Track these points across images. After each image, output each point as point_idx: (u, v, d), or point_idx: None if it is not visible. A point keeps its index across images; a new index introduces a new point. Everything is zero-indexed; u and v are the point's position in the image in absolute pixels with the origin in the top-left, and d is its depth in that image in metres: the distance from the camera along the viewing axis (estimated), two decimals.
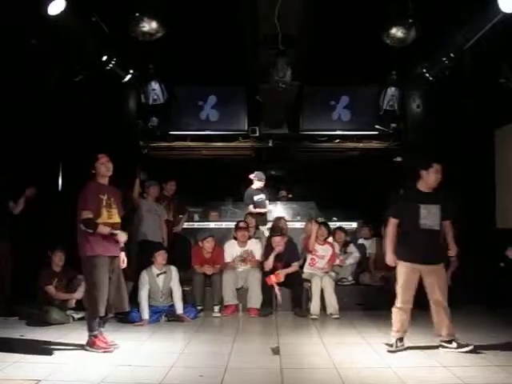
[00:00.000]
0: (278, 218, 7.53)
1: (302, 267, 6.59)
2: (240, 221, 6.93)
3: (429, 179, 4.46)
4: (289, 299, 6.47)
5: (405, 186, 8.60)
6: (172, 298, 5.93)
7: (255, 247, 6.69)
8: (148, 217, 6.81)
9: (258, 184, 7.89)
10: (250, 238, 6.75)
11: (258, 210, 7.73)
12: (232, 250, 6.64)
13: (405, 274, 4.43)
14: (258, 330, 5.73)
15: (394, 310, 4.51)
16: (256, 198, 7.89)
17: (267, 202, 8.06)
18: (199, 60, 7.31)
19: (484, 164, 7.23)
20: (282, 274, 6.25)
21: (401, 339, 4.46)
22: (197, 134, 8.64)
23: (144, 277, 5.87)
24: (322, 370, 3.92)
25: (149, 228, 6.78)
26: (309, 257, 6.60)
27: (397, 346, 4.43)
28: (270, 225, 7.49)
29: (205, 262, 6.57)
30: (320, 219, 7.68)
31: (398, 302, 4.47)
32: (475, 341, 4.61)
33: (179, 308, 5.85)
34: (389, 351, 4.40)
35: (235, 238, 6.73)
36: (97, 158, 4.70)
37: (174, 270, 6.02)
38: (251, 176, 7.90)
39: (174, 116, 8.45)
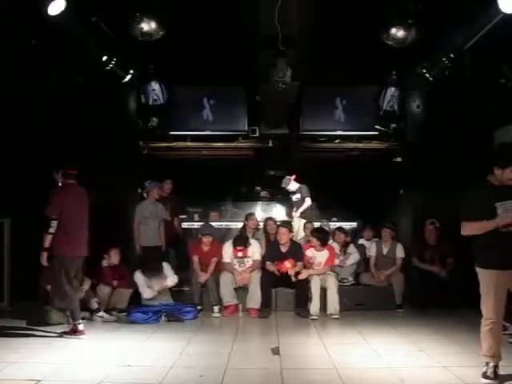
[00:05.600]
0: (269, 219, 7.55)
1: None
2: (238, 240, 6.63)
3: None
4: (290, 300, 6.47)
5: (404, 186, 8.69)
6: (170, 296, 6.11)
7: (254, 249, 6.67)
8: (146, 222, 6.83)
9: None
10: (248, 245, 6.66)
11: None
12: (231, 251, 6.63)
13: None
14: (258, 330, 5.73)
15: (483, 329, 3.64)
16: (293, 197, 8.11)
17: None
18: (199, 60, 7.30)
19: (484, 164, 7.22)
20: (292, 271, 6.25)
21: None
22: (197, 134, 8.63)
23: (140, 278, 5.99)
24: (322, 370, 3.92)
25: (147, 233, 6.80)
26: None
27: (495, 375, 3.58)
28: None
29: (202, 255, 6.62)
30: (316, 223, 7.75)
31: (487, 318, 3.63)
32: (475, 341, 4.62)
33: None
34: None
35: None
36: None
37: (165, 265, 6.25)
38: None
39: (173, 116, 8.44)
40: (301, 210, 7.83)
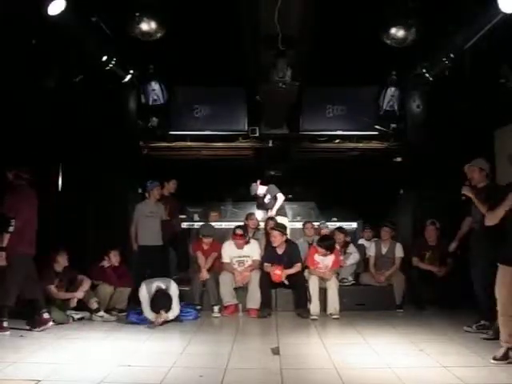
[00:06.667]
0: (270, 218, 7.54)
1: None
2: (238, 226, 6.80)
3: None
4: (290, 300, 6.47)
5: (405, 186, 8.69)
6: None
7: (253, 249, 6.67)
8: (147, 221, 6.82)
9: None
10: (247, 242, 6.69)
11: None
12: (230, 251, 6.63)
13: None
14: (258, 330, 5.73)
15: (499, 318, 4.05)
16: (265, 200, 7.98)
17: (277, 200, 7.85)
18: (199, 60, 7.30)
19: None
20: (283, 275, 6.24)
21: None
22: (197, 134, 8.62)
23: (143, 293, 5.66)
24: (322, 370, 3.92)
25: (148, 232, 6.80)
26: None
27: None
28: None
29: (203, 252, 6.67)
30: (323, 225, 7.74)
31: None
32: (475, 341, 4.62)
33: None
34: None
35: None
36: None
37: (173, 285, 5.83)
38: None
39: (173, 116, 8.43)
40: (276, 207, 7.72)
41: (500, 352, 3.95)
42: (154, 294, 5.60)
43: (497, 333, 4.26)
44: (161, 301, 5.56)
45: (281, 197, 7.80)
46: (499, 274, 4.03)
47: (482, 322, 4.97)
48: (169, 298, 5.63)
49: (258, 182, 8.09)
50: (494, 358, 3.93)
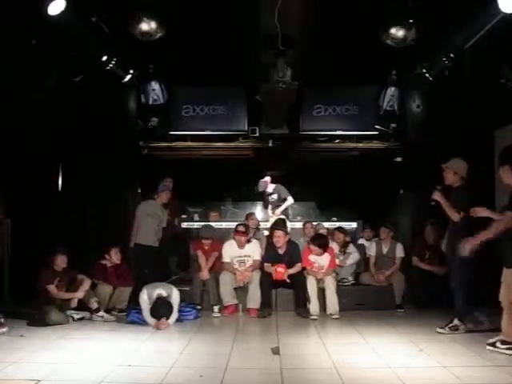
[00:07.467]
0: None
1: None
2: (239, 224, 6.83)
3: None
4: (290, 300, 6.47)
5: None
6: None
7: (254, 248, 6.67)
8: (147, 220, 6.82)
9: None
10: (249, 241, 6.67)
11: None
12: (231, 251, 6.62)
13: None
14: (258, 330, 5.73)
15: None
16: (270, 197, 7.93)
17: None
18: (199, 60, 7.31)
19: (484, 165, 7.23)
20: (286, 273, 6.23)
21: None
22: (197, 134, 8.64)
23: (144, 298, 5.53)
24: (322, 370, 3.92)
25: (145, 231, 6.79)
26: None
27: None
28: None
29: (204, 252, 6.65)
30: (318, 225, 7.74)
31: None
32: (476, 341, 4.62)
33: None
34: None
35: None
36: None
37: (175, 293, 5.68)
38: None
39: (173, 116, 8.45)
40: (282, 208, 7.70)
41: (494, 338, 4.24)
42: (155, 301, 5.49)
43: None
44: (161, 309, 5.44)
45: (291, 200, 7.77)
46: (506, 277, 4.11)
47: (455, 322, 4.96)
48: (170, 307, 5.51)
49: (268, 178, 8.01)
50: (488, 343, 4.25)
